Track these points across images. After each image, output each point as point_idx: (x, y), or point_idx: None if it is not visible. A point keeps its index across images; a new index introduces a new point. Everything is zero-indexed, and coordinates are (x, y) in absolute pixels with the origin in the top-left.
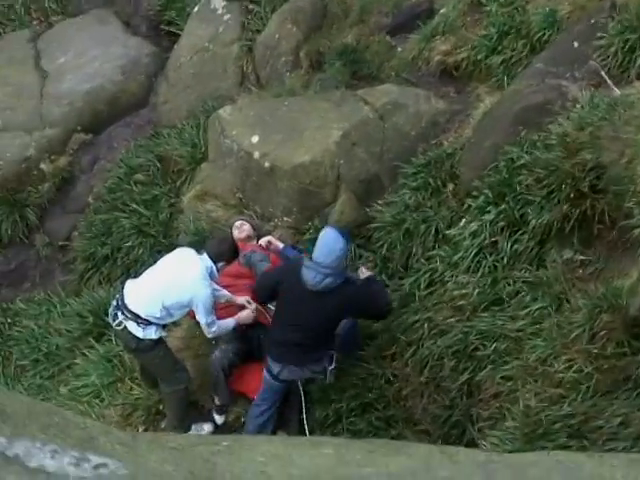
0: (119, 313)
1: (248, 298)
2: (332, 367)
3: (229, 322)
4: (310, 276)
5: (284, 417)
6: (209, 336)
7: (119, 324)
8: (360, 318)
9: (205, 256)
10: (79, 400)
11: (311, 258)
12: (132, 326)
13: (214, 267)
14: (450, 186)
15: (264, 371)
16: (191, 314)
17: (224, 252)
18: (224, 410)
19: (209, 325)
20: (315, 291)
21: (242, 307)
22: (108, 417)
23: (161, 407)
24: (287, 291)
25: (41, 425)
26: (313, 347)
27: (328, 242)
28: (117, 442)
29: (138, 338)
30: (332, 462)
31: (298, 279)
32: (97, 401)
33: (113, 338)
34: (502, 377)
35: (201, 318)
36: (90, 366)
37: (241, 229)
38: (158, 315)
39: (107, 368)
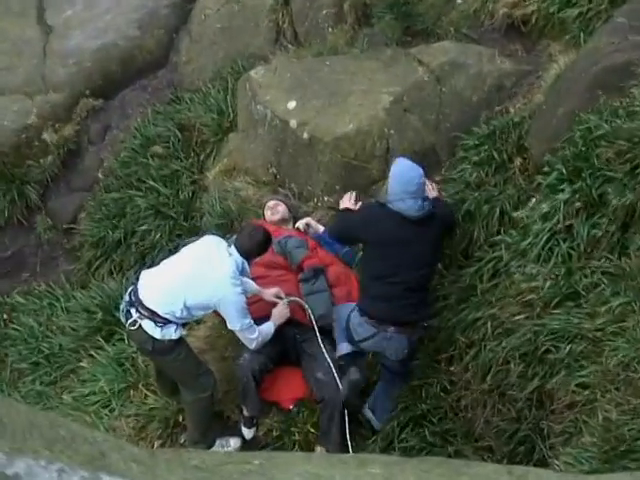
0: (133, 310)
1: (277, 290)
2: None
3: (269, 327)
4: (408, 205)
5: (323, 431)
6: (252, 347)
7: (133, 323)
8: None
9: (234, 250)
10: (85, 410)
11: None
12: (148, 325)
13: (245, 263)
14: (517, 160)
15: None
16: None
17: (255, 247)
18: (254, 423)
19: (245, 331)
20: (418, 221)
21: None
22: (119, 430)
23: (180, 418)
24: (382, 239)
25: (44, 439)
26: (422, 292)
27: (404, 171)
28: (132, 459)
29: (155, 339)
30: None
31: (390, 219)
32: (106, 411)
33: (125, 338)
34: (578, 384)
35: (234, 324)
36: (98, 370)
37: (275, 210)
38: (178, 314)
39: (118, 372)
